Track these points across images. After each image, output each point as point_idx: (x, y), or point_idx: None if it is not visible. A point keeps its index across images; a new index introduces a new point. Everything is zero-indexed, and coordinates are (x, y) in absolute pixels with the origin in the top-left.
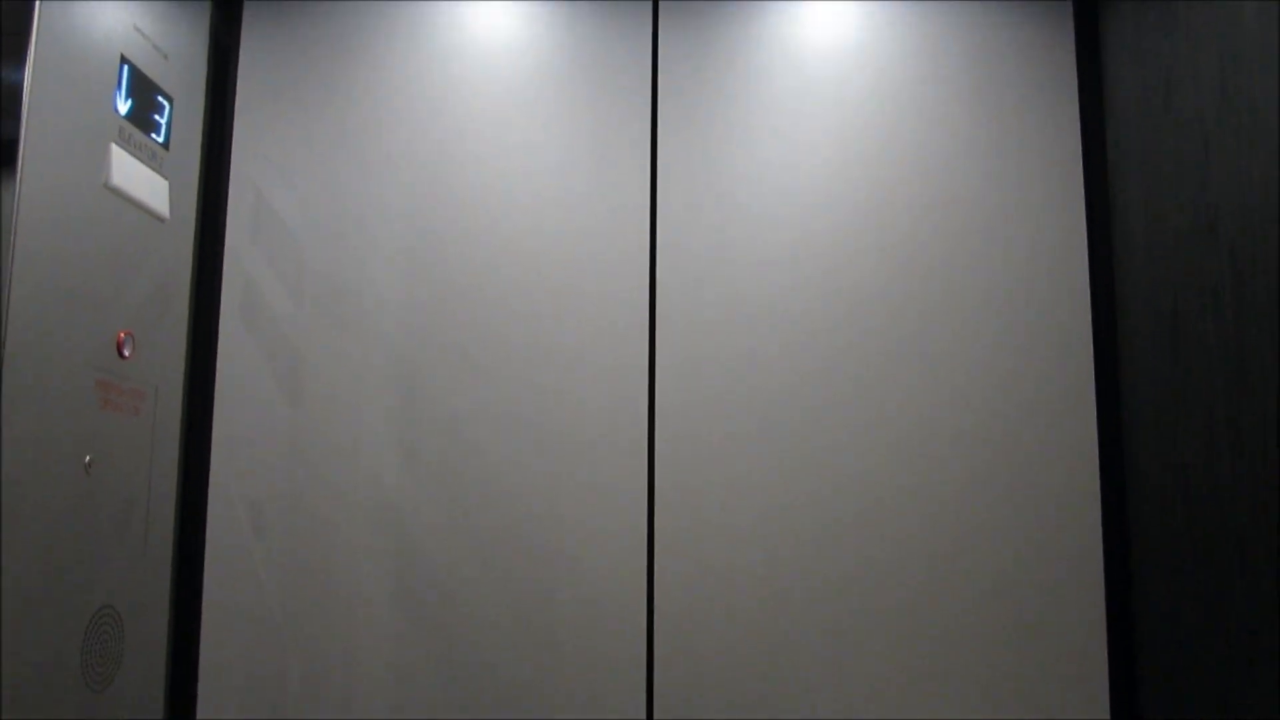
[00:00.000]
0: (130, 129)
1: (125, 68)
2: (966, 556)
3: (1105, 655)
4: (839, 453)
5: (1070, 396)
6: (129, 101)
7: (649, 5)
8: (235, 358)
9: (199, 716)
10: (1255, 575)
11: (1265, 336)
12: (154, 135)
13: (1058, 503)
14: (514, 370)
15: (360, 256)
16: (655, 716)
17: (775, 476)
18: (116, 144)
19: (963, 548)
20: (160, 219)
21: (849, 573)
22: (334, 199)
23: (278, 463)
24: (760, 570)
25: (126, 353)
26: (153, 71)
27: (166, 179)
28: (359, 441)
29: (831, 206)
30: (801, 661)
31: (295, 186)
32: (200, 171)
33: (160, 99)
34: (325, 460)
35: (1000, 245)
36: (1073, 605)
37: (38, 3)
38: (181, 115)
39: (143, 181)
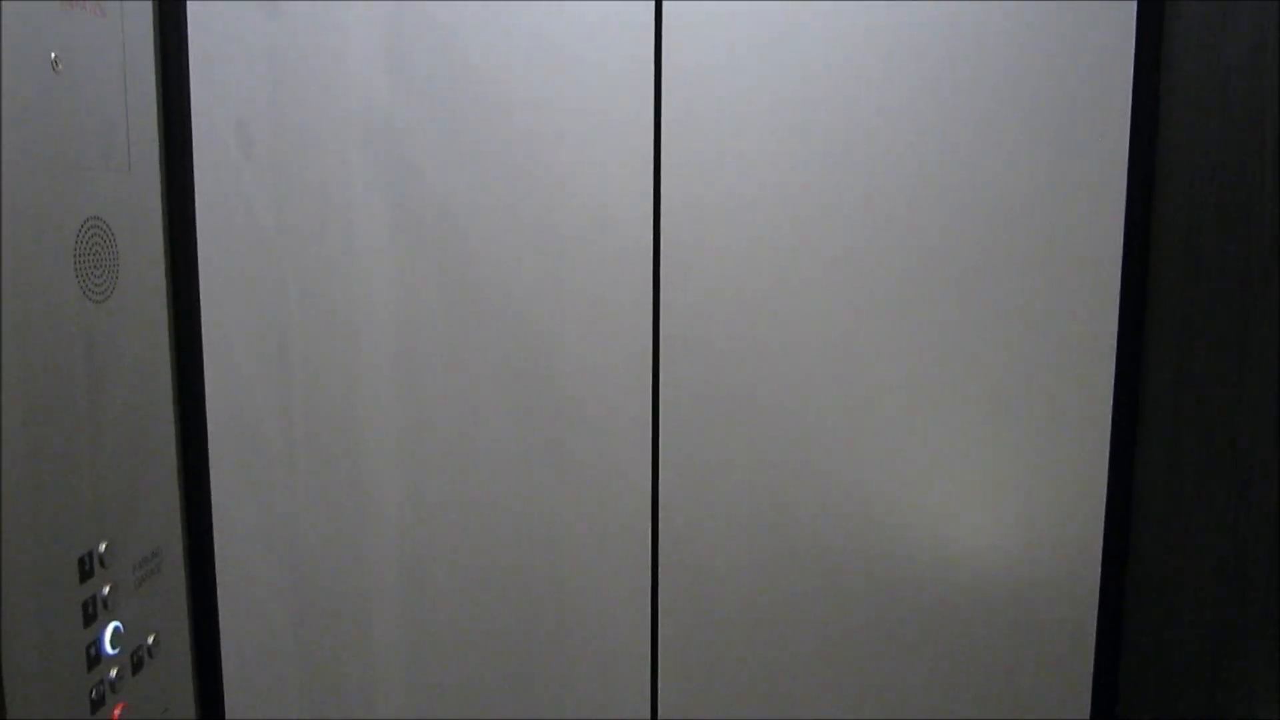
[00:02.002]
0: None
1: None
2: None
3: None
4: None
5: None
6: None
7: None
8: None
9: (203, 323)
10: None
11: None
12: None
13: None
14: None
15: None
16: (659, 314)
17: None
18: None
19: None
20: None
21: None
22: None
23: (260, 74)
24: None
25: None
26: None
27: None
28: (344, 50)
29: None
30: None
31: None
32: None
33: None
34: (310, 72)
35: None
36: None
37: None
38: None
39: None
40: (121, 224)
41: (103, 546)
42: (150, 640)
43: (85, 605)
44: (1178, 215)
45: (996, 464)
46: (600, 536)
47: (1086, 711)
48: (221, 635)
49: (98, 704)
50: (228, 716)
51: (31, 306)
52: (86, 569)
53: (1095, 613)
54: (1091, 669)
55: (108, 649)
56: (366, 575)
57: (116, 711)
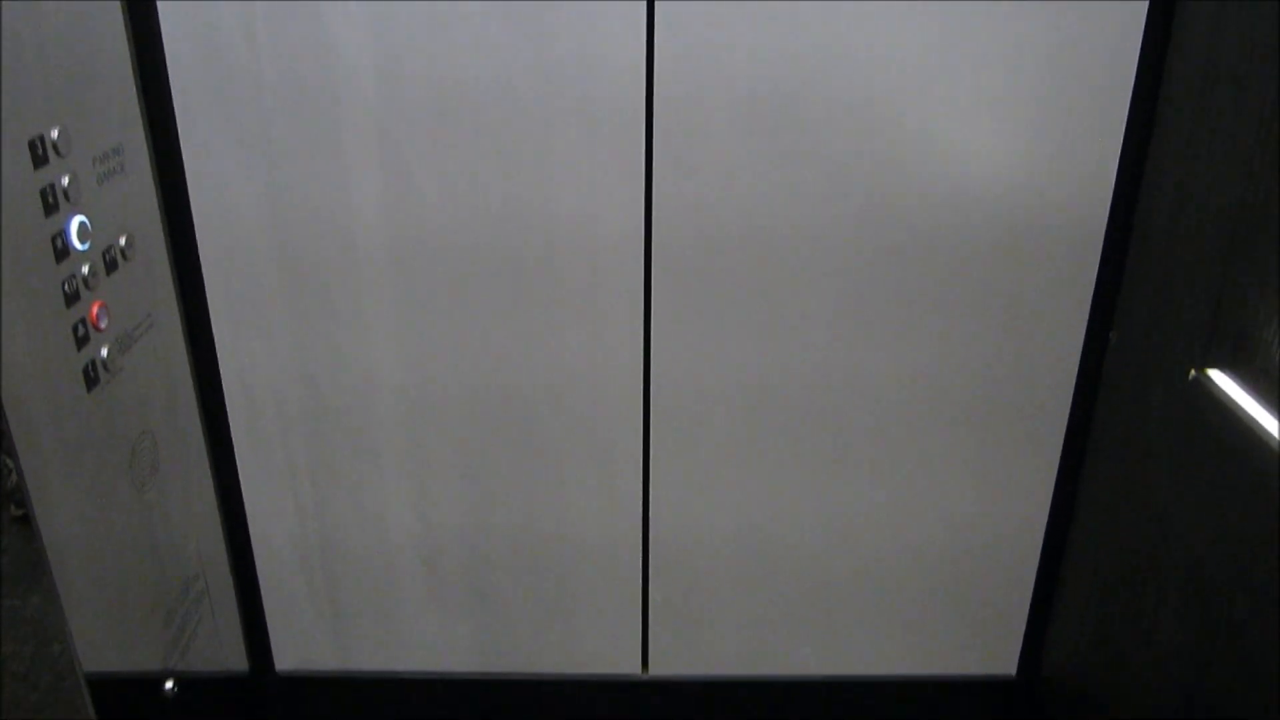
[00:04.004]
0: None
1: None
2: None
3: None
4: None
5: None
6: None
7: None
8: None
9: None
10: None
11: None
12: None
13: None
14: None
15: None
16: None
17: None
18: None
19: None
20: None
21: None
22: None
23: None
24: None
25: None
26: None
27: None
28: None
29: None
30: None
31: None
32: None
33: None
34: None
35: None
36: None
37: None
38: None
39: None
40: None
41: (55, 132)
42: (123, 241)
43: (44, 193)
44: None
45: (1015, 66)
46: (590, 123)
47: (1084, 323)
48: (199, 241)
49: (72, 298)
50: (211, 319)
51: None
52: (40, 154)
53: (1104, 227)
54: (1094, 281)
55: (75, 242)
56: (343, 185)
57: (94, 308)
